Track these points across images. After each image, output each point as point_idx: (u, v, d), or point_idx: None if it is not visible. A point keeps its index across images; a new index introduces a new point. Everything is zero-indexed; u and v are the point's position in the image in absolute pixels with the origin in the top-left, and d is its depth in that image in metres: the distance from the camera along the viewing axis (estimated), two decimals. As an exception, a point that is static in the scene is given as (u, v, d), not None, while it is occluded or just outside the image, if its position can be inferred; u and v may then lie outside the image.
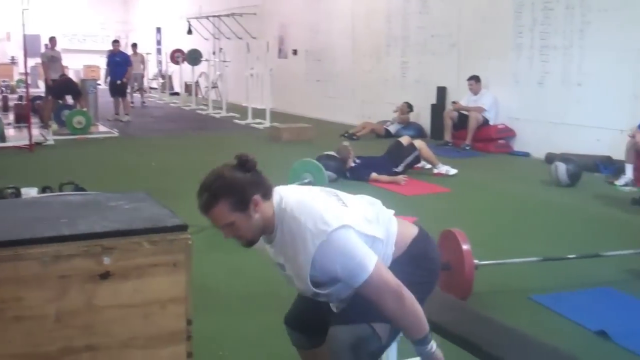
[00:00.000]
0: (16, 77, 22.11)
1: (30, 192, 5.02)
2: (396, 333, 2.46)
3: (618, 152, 7.79)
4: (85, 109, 12.30)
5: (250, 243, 2.40)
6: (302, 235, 2.30)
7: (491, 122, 10.00)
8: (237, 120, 14.08)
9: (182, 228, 2.15)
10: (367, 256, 2.29)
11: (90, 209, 2.38)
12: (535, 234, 5.53)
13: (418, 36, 11.81)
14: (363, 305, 2.34)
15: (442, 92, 11.20)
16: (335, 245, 2.27)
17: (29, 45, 11.16)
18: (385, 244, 2.44)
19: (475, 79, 10.11)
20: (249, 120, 13.67)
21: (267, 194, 2.36)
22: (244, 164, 2.37)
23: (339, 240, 2.28)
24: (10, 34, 24.76)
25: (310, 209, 2.34)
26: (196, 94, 18.20)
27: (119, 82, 14.25)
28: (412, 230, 2.56)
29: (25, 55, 10.68)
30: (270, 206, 2.36)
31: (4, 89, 18.66)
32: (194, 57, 16.61)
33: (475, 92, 10.12)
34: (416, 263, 2.49)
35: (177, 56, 18.51)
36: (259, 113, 13.83)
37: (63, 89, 12.95)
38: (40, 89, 17.05)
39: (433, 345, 2.35)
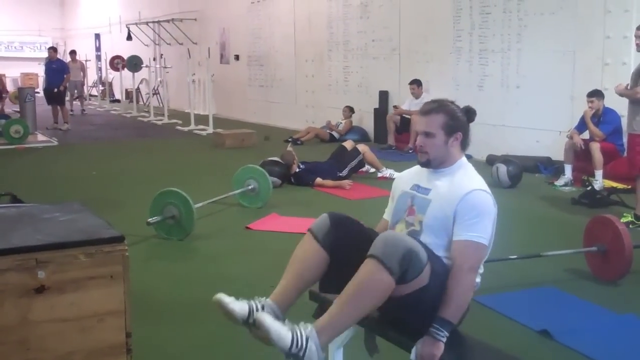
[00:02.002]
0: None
1: (-37, 205, 4.86)
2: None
3: (557, 153, 7.95)
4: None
5: (428, 162, 2.78)
6: (469, 182, 2.71)
7: (433, 125, 10.08)
8: (179, 127, 13.93)
9: (119, 239, 2.10)
10: (490, 233, 2.65)
11: (25, 221, 2.31)
12: (477, 235, 5.58)
13: (359, 41, 11.88)
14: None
15: (384, 96, 11.29)
16: (485, 200, 2.66)
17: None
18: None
19: (416, 83, 10.21)
20: (192, 126, 13.54)
21: (464, 144, 2.82)
22: (468, 111, 2.83)
23: (488, 201, 2.67)
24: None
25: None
26: (137, 101, 17.96)
27: (56, 90, 13.95)
28: None
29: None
30: (460, 153, 2.83)
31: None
32: (134, 64, 16.39)
33: (417, 96, 10.21)
34: None
35: (116, 63, 18.24)
36: (201, 119, 13.72)
37: None
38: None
39: (444, 337, 2.44)
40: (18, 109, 13.89)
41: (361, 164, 7.89)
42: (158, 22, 17.61)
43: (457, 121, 2.77)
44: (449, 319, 2.46)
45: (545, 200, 6.93)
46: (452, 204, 2.64)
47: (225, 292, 4.10)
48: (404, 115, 10.32)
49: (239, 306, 2.55)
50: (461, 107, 2.83)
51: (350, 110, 11.60)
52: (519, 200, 6.89)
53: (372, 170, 8.08)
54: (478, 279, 2.68)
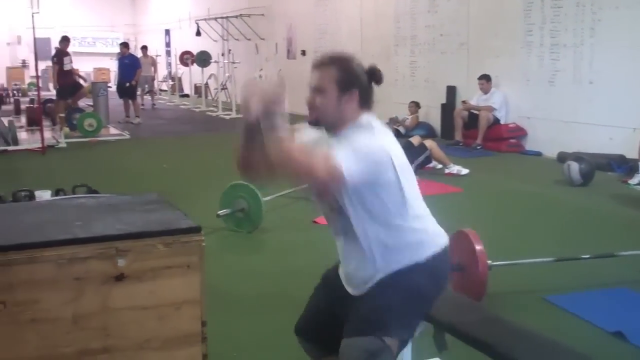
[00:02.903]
0: (27, 80, 22.22)
1: (43, 195, 5.04)
2: (403, 345, 2.43)
3: (631, 150, 7.73)
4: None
5: (316, 121, 2.46)
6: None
7: (502, 121, 9.97)
8: (247, 122, 14.06)
9: (196, 230, 2.14)
10: (356, 169, 2.20)
11: (104, 211, 2.38)
12: (548, 234, 5.50)
13: (427, 35, 11.78)
14: (376, 318, 2.31)
15: (451, 91, 11.18)
16: (366, 140, 2.31)
17: (40, 48, 11.21)
18: (403, 202, 2.36)
19: (485, 78, 10.08)
20: (259, 121, 13.64)
21: (364, 104, 2.45)
22: (373, 72, 2.47)
23: (370, 142, 2.31)
24: (21, 38, 24.87)
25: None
26: (206, 96, 18.23)
27: (127, 84, 14.29)
28: (444, 240, 2.48)
29: (36, 59, 10.73)
30: (358, 113, 2.44)
31: (15, 92, 18.78)
32: (203, 59, 16.63)
33: (485, 91, 10.09)
34: (435, 278, 2.42)
35: (186, 58, 18.56)
36: (269, 114, 13.82)
37: (70, 87, 13.09)
38: (51, 91, 17.11)
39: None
40: (91, 103, 14.28)
41: (428, 160, 7.84)
42: (227, 18, 17.82)
43: (352, 77, 2.40)
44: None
45: (618, 199, 6.76)
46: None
47: (293, 286, 4.16)
48: (472, 110, 10.20)
49: None
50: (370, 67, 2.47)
51: (416, 105, 11.53)
52: (591, 199, 6.75)
53: (439, 166, 8.01)
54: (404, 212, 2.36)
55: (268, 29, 16.88)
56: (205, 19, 18.90)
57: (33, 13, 10.83)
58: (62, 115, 12.12)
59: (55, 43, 15.87)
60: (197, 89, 19.55)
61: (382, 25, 12.97)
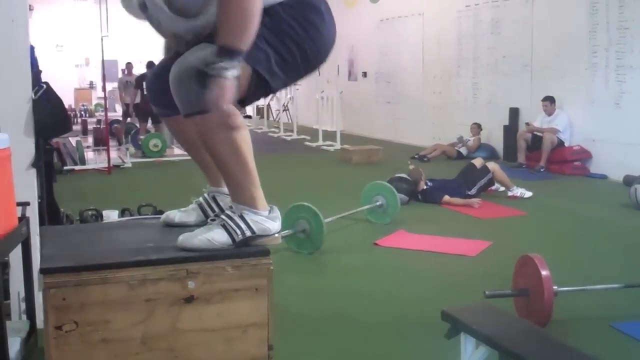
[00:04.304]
0: (94, 101, 22.84)
1: (111, 215, 5.17)
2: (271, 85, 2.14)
3: (701, 174, 7.52)
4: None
5: None
6: None
7: (566, 144, 9.80)
8: (308, 143, 14.18)
9: (264, 253, 2.17)
10: None
11: (174, 233, 2.44)
12: (616, 259, 5.37)
13: (489, 57, 11.70)
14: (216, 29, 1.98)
15: (514, 113, 11.05)
16: None
17: (107, 70, 11.54)
18: None
19: (549, 99, 9.93)
20: (320, 142, 13.76)
21: None
22: None
23: None
24: (89, 60, 25.59)
25: None
26: (268, 117, 18.44)
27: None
28: None
29: (104, 80, 11.05)
30: None
31: (83, 113, 19.32)
32: (265, 81, 16.81)
33: (549, 113, 9.94)
34: (300, 15, 2.16)
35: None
36: (329, 135, 13.91)
37: (149, 112, 13.28)
38: (117, 112, 17.56)
39: (234, 71, 1.95)
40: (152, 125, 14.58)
41: (491, 182, 7.75)
42: (288, 39, 18.02)
43: None
44: (226, 43, 1.95)
45: (689, 224, 6.56)
46: None
47: (355, 308, 4.17)
48: (535, 132, 10.06)
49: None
50: None
51: (478, 127, 11.45)
52: (660, 224, 6.57)
53: (502, 189, 7.91)
54: None
55: (329, 50, 16.99)
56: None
57: (102, 37, 11.19)
58: (142, 137, 12.30)
59: (122, 65, 16.31)
60: (259, 111, 19.79)
61: (444, 47, 12.94)
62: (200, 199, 2.52)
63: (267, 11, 2.09)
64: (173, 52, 2.31)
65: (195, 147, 2.44)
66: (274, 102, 19.05)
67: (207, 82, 1.99)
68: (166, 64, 2.28)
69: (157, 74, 2.42)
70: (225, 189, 2.42)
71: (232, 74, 1.98)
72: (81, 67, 26.38)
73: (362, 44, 16.09)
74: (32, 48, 4.11)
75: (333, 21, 2.35)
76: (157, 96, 2.43)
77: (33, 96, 3.77)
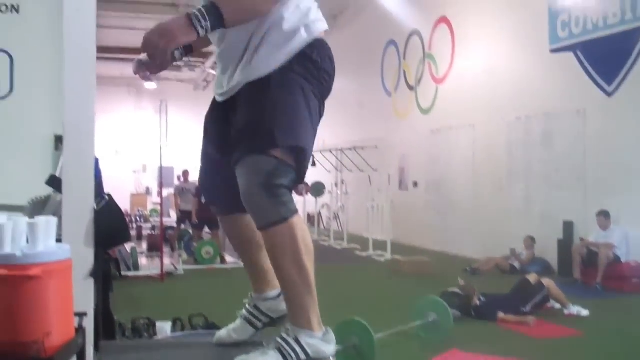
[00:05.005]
0: (149, 206, 23.33)
1: (164, 327, 5.20)
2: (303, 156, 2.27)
3: None
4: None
5: None
6: None
7: (623, 260, 9.59)
8: (358, 252, 14.17)
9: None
10: None
11: (228, 354, 2.44)
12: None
13: (541, 169, 11.69)
14: (254, 133, 2.19)
15: (568, 226, 10.91)
16: None
17: (163, 177, 11.86)
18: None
19: (603, 214, 9.81)
20: (370, 252, 13.73)
21: None
22: None
23: None
24: (146, 166, 26.37)
25: None
26: (318, 225, 18.55)
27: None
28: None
29: (161, 187, 11.34)
30: None
31: (138, 218, 19.73)
32: (317, 189, 17.06)
33: (604, 227, 9.80)
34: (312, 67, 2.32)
35: (301, 188, 19.08)
36: (379, 244, 13.89)
37: (205, 220, 13.46)
38: (172, 218, 17.88)
39: (207, 25, 2.03)
40: (209, 231, 14.78)
41: (546, 299, 7.60)
42: (341, 149, 18.35)
43: None
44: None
45: None
46: None
47: None
48: (590, 248, 9.89)
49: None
50: None
51: (532, 240, 11.31)
52: None
53: (558, 306, 7.73)
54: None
55: (381, 160, 17.22)
56: (320, 151, 19.53)
57: (161, 146, 11.57)
58: (195, 244, 12.47)
59: (178, 172, 16.74)
60: (310, 218, 19.94)
61: (494, 158, 12.99)
62: (244, 312, 2.56)
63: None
64: (214, 143, 2.45)
65: (247, 249, 2.56)
66: (324, 210, 19.21)
67: (274, 192, 2.13)
68: (212, 158, 2.44)
69: (207, 169, 2.55)
70: (266, 294, 2.47)
71: (291, 180, 2.17)
72: (138, 173, 27.17)
73: (413, 154, 16.28)
74: (96, 160, 4.29)
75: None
76: (211, 193, 2.56)
77: (95, 207, 3.90)
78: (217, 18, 2.07)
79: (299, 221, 2.29)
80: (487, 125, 13.31)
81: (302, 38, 2.30)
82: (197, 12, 2.05)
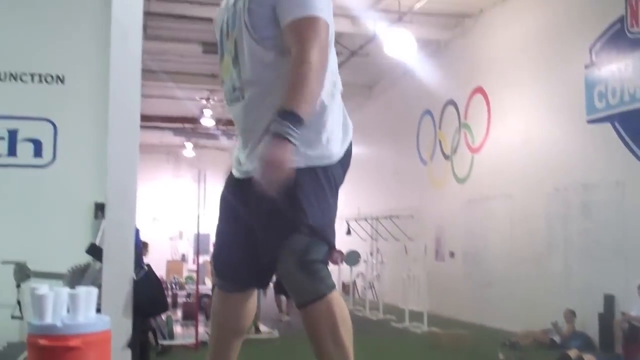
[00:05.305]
0: (185, 273, 23.34)
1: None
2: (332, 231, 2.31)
3: None
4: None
5: None
6: None
7: (667, 335, 9.33)
8: (394, 323, 13.97)
9: None
10: (322, 4, 2.20)
11: None
12: None
13: (581, 241, 11.51)
14: (285, 218, 2.23)
15: (609, 300, 10.66)
16: None
17: (200, 244, 11.94)
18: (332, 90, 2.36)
19: (645, 287, 9.61)
20: (406, 323, 13.53)
21: None
22: None
23: None
24: (182, 233, 26.55)
25: None
26: (353, 294, 18.39)
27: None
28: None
29: (197, 254, 11.39)
30: None
31: (174, 285, 19.74)
32: (353, 258, 16.98)
33: (646, 301, 9.58)
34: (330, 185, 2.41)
35: (336, 257, 19.01)
36: (416, 315, 13.69)
37: None
38: (207, 286, 17.88)
39: (291, 131, 2.06)
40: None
41: (587, 375, 7.39)
42: (376, 218, 18.32)
43: None
44: (294, 109, 2.07)
45: None
46: None
47: None
48: (632, 322, 9.64)
49: None
50: None
51: (572, 313, 11.05)
52: None
53: (600, 382, 7.52)
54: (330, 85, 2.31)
55: (417, 229, 17.14)
56: (355, 219, 19.51)
57: (199, 214, 11.68)
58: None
59: (214, 239, 16.80)
60: (344, 287, 19.80)
61: (532, 229, 12.84)
62: None
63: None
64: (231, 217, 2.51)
65: (227, 336, 2.56)
66: (359, 279, 19.08)
67: (310, 268, 2.18)
68: (229, 234, 2.50)
69: (223, 245, 2.59)
70: None
71: (292, 138, 2.19)
72: (174, 240, 27.35)
73: (449, 224, 16.17)
74: (137, 230, 4.36)
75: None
76: (223, 267, 2.60)
77: (135, 277, 3.94)
78: (300, 122, 2.15)
79: (337, 297, 2.32)
80: (525, 196, 13.21)
81: (325, 154, 2.40)
82: (287, 130, 2.12)
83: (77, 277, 3.83)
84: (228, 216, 2.60)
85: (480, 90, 14.99)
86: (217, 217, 2.71)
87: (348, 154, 2.47)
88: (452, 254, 16.02)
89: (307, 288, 2.22)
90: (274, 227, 2.29)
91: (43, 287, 1.96)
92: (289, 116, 2.12)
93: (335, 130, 2.38)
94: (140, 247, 4.28)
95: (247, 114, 2.38)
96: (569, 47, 12.06)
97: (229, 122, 19.16)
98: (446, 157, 16.64)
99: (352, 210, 20.63)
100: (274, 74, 2.26)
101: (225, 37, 2.41)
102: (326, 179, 2.38)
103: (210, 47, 15.48)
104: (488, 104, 14.69)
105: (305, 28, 2.19)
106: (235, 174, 2.52)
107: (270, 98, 2.27)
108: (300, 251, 2.24)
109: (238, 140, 2.56)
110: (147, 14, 12.67)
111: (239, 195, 2.50)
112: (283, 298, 14.71)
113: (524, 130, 13.35)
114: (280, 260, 2.27)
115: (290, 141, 2.10)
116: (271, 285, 15.57)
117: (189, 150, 27.30)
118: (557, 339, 10.81)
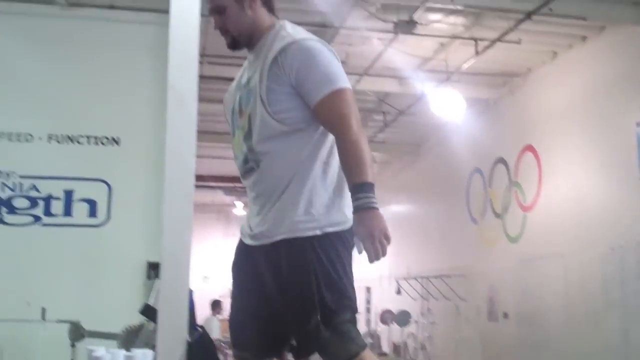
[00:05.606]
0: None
1: None
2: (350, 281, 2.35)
3: None
4: None
5: (234, 43, 2.52)
6: (281, 41, 2.40)
7: None
8: (446, 386, 13.69)
9: None
10: (342, 74, 2.35)
11: None
12: None
13: (638, 301, 11.19)
14: (307, 297, 2.27)
15: (671, 363, 10.31)
16: (307, 46, 2.37)
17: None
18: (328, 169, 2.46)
19: None
20: (459, 386, 13.24)
21: (269, 5, 2.54)
22: None
23: (315, 46, 2.37)
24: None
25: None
26: (405, 356, 18.09)
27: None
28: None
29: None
30: (268, 17, 2.52)
31: (224, 344, 19.69)
32: (403, 318, 16.78)
33: None
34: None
35: (386, 317, 18.80)
36: (468, 378, 13.40)
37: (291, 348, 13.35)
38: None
39: (372, 199, 2.18)
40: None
41: None
42: (427, 277, 18.11)
43: None
44: (363, 180, 2.21)
45: None
46: (268, 65, 2.33)
47: None
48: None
49: None
50: None
51: (632, 378, 10.70)
52: None
53: None
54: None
55: (468, 289, 16.87)
56: (405, 278, 19.33)
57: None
58: None
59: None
60: (395, 348, 19.50)
61: (587, 289, 12.52)
62: None
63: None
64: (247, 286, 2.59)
65: None
66: (410, 340, 18.78)
67: (340, 329, 2.24)
68: (245, 303, 2.56)
69: (238, 313, 2.64)
70: None
71: (376, 206, 2.36)
72: (224, 298, 27.37)
73: (502, 283, 15.87)
74: (190, 292, 4.41)
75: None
76: (242, 336, 2.64)
77: (189, 339, 3.97)
78: (372, 187, 2.37)
79: (369, 355, 2.35)
80: (579, 255, 12.93)
81: (342, 220, 2.49)
82: (368, 201, 2.33)
83: (131, 337, 3.88)
84: (243, 286, 2.71)
85: (530, 148, 14.88)
86: (232, 286, 2.82)
87: None
88: (505, 315, 15.68)
89: (339, 349, 2.26)
90: (297, 296, 2.38)
91: (100, 349, 2.01)
92: (362, 188, 2.32)
93: (348, 195, 2.50)
94: (194, 309, 4.32)
95: (262, 180, 2.56)
96: (618, 105, 11.94)
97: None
98: (497, 215, 16.44)
99: (401, 269, 20.46)
100: (287, 143, 2.49)
101: (237, 115, 2.64)
102: (345, 243, 2.49)
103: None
104: (539, 161, 14.55)
105: (337, 104, 2.40)
106: (246, 241, 2.62)
107: (284, 162, 2.52)
108: (328, 315, 2.27)
109: (249, 210, 2.69)
110: (200, 77, 12.99)
111: (251, 262, 2.60)
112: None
113: (576, 188, 13.16)
114: (307, 327, 2.33)
115: (377, 208, 2.30)
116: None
117: (239, 209, 27.53)
118: (616, 404, 10.44)
